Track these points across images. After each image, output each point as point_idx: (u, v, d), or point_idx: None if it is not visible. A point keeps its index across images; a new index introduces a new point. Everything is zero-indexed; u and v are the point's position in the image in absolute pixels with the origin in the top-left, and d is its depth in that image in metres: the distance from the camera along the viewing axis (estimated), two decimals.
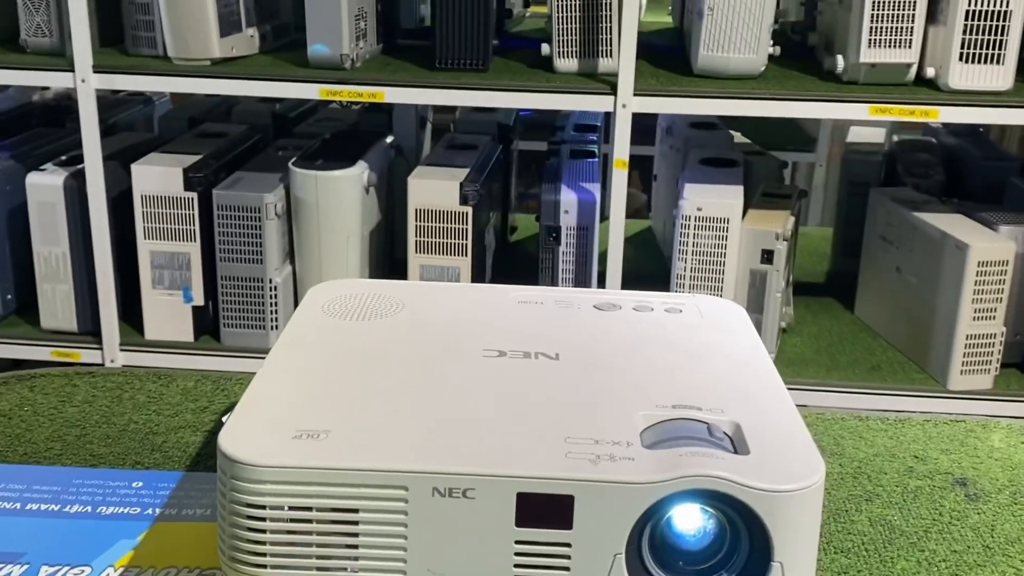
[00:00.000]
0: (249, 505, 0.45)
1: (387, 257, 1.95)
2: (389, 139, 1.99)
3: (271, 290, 1.76)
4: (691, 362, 0.56)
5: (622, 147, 1.55)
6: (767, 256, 1.66)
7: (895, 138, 2.37)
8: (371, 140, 1.91)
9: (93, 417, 0.72)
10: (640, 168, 2.61)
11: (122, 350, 1.79)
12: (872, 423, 0.75)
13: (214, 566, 0.55)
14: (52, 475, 0.64)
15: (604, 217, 1.73)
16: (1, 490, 0.62)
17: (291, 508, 0.45)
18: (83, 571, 0.54)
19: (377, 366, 0.54)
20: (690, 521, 0.47)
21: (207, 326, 1.81)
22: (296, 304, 1.83)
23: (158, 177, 1.69)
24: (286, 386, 0.52)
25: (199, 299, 1.77)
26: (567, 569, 0.45)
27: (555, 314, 0.62)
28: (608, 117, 2.55)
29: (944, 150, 2.25)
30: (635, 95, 1.54)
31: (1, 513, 0.59)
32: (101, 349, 1.79)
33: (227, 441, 0.46)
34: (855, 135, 2.40)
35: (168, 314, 1.78)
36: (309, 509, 0.45)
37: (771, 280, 1.67)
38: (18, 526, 0.59)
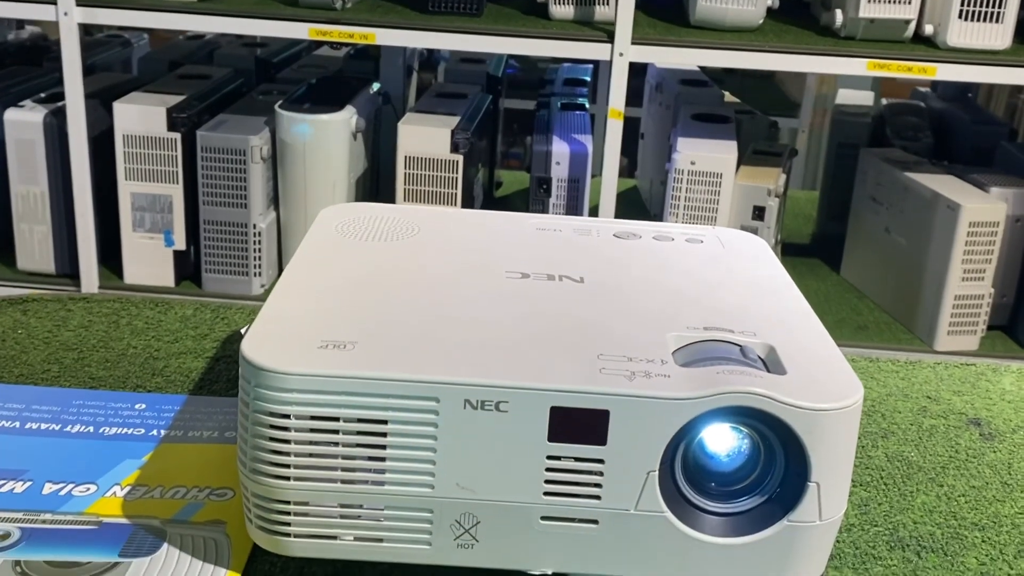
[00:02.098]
0: (273, 414, 0.43)
1: None
2: (376, 86, 1.96)
3: (255, 236, 1.73)
4: (717, 288, 0.55)
5: (618, 97, 1.53)
6: (758, 212, 1.65)
7: (884, 101, 2.36)
8: (358, 86, 1.88)
9: (90, 341, 0.70)
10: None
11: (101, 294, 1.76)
12: (883, 365, 0.74)
13: (224, 486, 0.53)
14: (51, 395, 0.62)
15: (594, 173, 1.72)
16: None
17: (317, 418, 0.43)
18: (88, 488, 0.53)
19: (399, 283, 0.52)
20: (723, 442, 0.46)
21: (188, 271, 1.79)
22: (280, 251, 1.81)
23: (140, 116, 1.66)
24: (307, 300, 0.50)
25: (181, 243, 1.74)
26: (599, 486, 0.44)
27: (575, 241, 0.60)
28: (597, 73, 2.53)
29: (933, 114, 2.24)
30: (632, 44, 1.52)
31: (0, 431, 0.57)
32: (79, 292, 1.76)
33: (250, 348, 0.44)
34: (844, 97, 2.39)
35: (148, 258, 1.75)
36: (336, 419, 0.43)
37: (762, 237, 1.67)
38: (18, 444, 0.57)
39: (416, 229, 0.60)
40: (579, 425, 0.43)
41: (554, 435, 0.43)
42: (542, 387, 0.43)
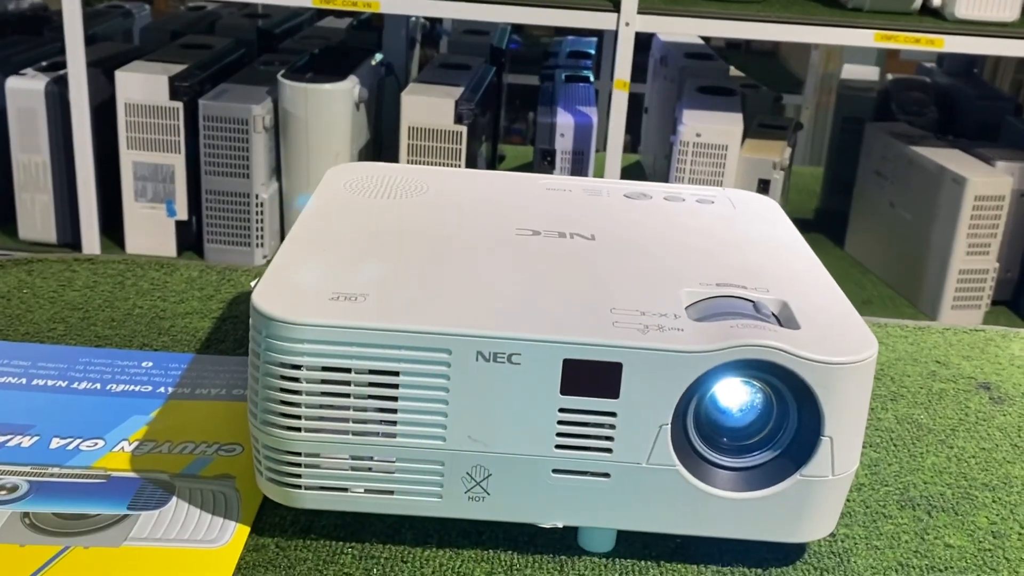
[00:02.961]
0: (284, 365, 0.43)
1: None
2: (379, 57, 1.95)
3: (257, 206, 1.73)
4: (730, 246, 0.54)
5: (624, 67, 1.52)
6: (763, 186, 1.64)
7: (889, 76, 2.35)
8: (361, 57, 1.87)
9: (95, 301, 0.70)
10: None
11: None
12: (892, 330, 0.74)
13: (233, 441, 0.53)
14: (58, 353, 0.62)
15: (598, 149, 1.71)
16: (4, 365, 0.59)
17: (328, 369, 0.43)
18: (96, 443, 0.53)
19: (410, 238, 0.52)
20: (735, 397, 0.46)
21: (190, 241, 1.78)
22: (282, 221, 1.80)
23: (143, 85, 1.65)
24: (317, 254, 0.49)
25: (183, 213, 1.74)
26: (611, 439, 0.44)
27: (585, 200, 0.60)
28: (601, 48, 2.51)
29: (938, 89, 2.24)
30: (639, 13, 1.51)
31: (6, 387, 0.57)
32: (84, 255, 1.75)
33: (261, 299, 0.44)
34: (849, 72, 2.38)
35: (150, 228, 1.74)
36: (348, 371, 0.43)
37: None
38: (25, 400, 0.56)
39: (424, 188, 0.59)
40: (592, 378, 0.43)
41: (566, 388, 0.43)
42: (555, 339, 0.43)
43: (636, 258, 0.51)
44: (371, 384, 0.43)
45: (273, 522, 0.48)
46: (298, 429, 0.44)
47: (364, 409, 0.44)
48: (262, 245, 1.75)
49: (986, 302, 1.67)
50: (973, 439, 0.59)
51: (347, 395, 0.43)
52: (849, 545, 0.49)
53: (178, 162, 1.69)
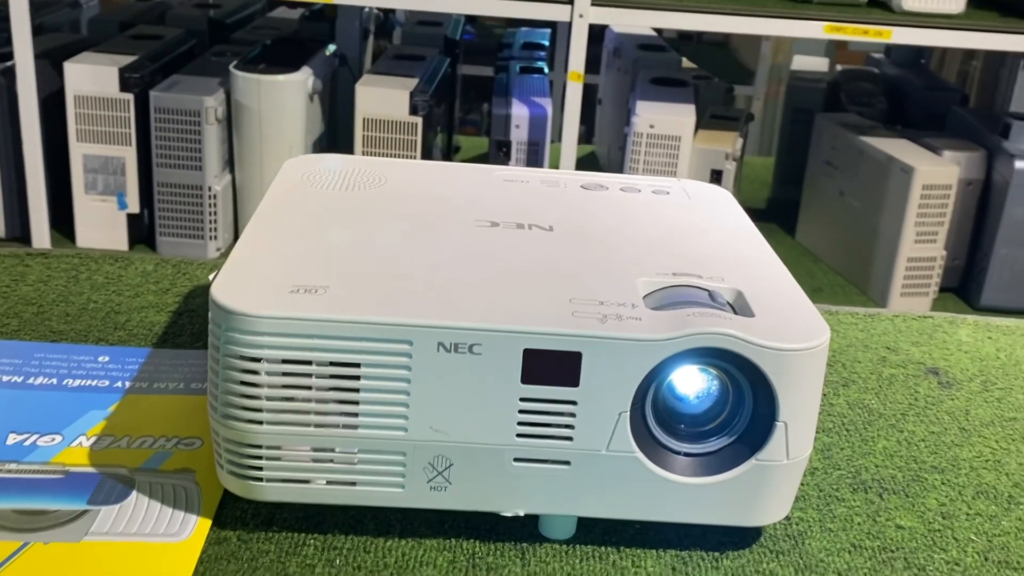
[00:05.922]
0: (245, 358, 0.43)
1: None
2: (332, 48, 1.94)
3: (210, 198, 1.71)
4: (685, 237, 0.55)
5: (577, 59, 1.53)
6: (716, 176, 1.66)
7: (838, 67, 2.38)
8: (314, 48, 1.86)
9: (49, 296, 0.69)
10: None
11: None
12: (843, 317, 0.75)
13: (192, 435, 0.53)
14: (11, 348, 0.61)
15: (552, 140, 1.71)
16: None
17: (289, 361, 0.43)
18: (54, 439, 0.52)
19: (368, 229, 0.52)
20: (692, 384, 0.46)
21: (142, 235, 1.76)
22: (236, 214, 1.79)
23: (92, 76, 1.62)
24: (276, 246, 0.49)
25: (134, 206, 1.72)
26: (571, 427, 0.44)
27: (542, 191, 0.60)
28: (555, 40, 2.52)
29: (886, 80, 2.27)
30: (593, 5, 1.51)
31: None
32: (36, 249, 1.73)
33: (221, 292, 0.44)
34: (799, 63, 2.41)
35: (101, 221, 1.72)
36: (308, 363, 0.43)
37: None
38: None
39: (383, 179, 0.60)
40: (552, 367, 0.44)
41: (527, 377, 0.44)
42: (515, 329, 0.43)
43: (593, 249, 0.52)
44: (332, 376, 0.44)
45: (235, 515, 0.48)
46: (259, 422, 0.44)
47: (325, 401, 0.44)
48: (215, 238, 1.74)
49: (934, 289, 1.71)
50: (923, 423, 0.61)
51: (308, 387, 0.44)
52: (803, 528, 0.50)
53: (129, 154, 1.67)
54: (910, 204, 1.62)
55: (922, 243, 1.66)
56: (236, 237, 1.79)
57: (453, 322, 0.43)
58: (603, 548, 0.47)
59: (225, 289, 0.44)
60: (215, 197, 1.71)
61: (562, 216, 0.56)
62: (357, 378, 0.43)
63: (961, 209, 1.71)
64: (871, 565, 0.48)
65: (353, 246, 0.50)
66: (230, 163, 1.75)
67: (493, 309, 0.44)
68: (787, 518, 0.50)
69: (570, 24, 1.53)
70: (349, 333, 0.43)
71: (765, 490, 0.46)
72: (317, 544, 0.46)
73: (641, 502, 0.46)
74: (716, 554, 0.48)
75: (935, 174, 1.62)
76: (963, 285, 1.79)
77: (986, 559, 0.49)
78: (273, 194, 0.56)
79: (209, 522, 0.47)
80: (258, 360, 0.43)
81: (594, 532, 0.48)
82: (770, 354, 0.44)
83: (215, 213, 1.72)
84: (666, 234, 0.55)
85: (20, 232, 1.75)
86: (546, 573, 0.46)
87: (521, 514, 0.46)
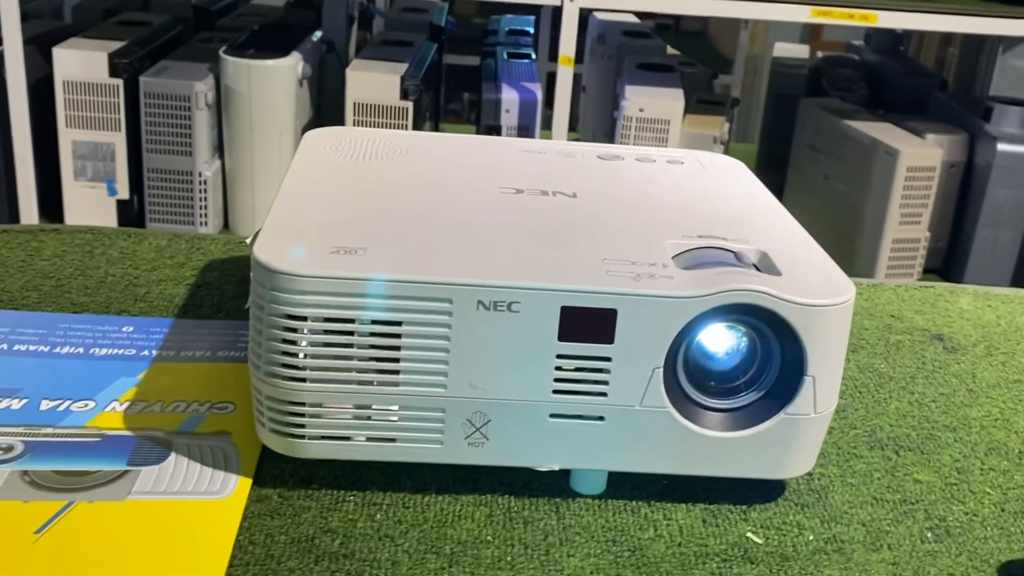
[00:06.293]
0: (289, 316, 0.44)
1: None
2: (318, 34, 1.94)
3: (200, 184, 1.71)
4: (705, 203, 0.56)
5: (568, 43, 1.54)
6: None
7: (819, 54, 2.41)
8: (301, 33, 1.86)
9: (66, 270, 0.70)
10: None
11: None
12: None
13: (225, 400, 0.54)
14: (36, 319, 0.62)
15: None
16: None
17: (332, 320, 0.44)
18: (87, 404, 0.53)
19: (399, 194, 0.53)
20: (721, 341, 0.48)
21: (132, 221, 1.76)
22: (225, 199, 1.79)
23: (81, 62, 1.62)
24: (310, 211, 0.50)
25: (124, 192, 1.71)
26: (606, 383, 0.46)
27: (561, 161, 0.61)
28: (538, 25, 2.53)
29: (867, 66, 2.30)
30: None
31: None
32: (49, 224, 1.72)
33: (264, 253, 0.45)
34: (780, 50, 2.43)
35: (91, 207, 1.71)
36: (351, 321, 0.44)
37: None
38: (8, 364, 0.56)
39: (404, 151, 0.61)
40: (588, 324, 0.45)
41: (564, 334, 0.45)
42: (553, 287, 0.44)
43: (618, 214, 0.53)
44: (374, 334, 0.44)
45: (273, 475, 0.49)
46: (302, 380, 0.45)
47: (367, 359, 0.45)
48: (206, 224, 1.74)
49: (918, 270, 1.73)
50: (932, 385, 0.63)
51: (350, 345, 0.45)
52: (826, 483, 0.52)
53: (119, 140, 1.66)
54: (895, 187, 1.65)
55: (906, 225, 1.69)
56: (226, 223, 1.79)
57: (493, 280, 0.44)
58: (634, 502, 0.49)
59: (268, 249, 0.45)
60: (205, 183, 1.71)
61: (584, 184, 0.57)
62: (398, 336, 0.44)
63: (944, 191, 1.74)
64: (893, 516, 0.49)
65: (385, 210, 0.51)
66: (219, 148, 1.75)
67: (530, 268, 0.45)
68: (809, 474, 0.52)
69: (560, 8, 1.54)
70: (391, 292, 0.44)
71: (793, 443, 0.47)
72: (356, 500, 0.47)
73: (672, 456, 0.47)
74: (744, 507, 0.49)
75: (919, 156, 1.65)
76: (946, 266, 1.82)
77: (1002, 510, 0.51)
78: (299, 164, 0.57)
79: (250, 480, 0.48)
80: (302, 319, 0.44)
81: (624, 487, 0.49)
82: (801, 310, 0.45)
83: (205, 198, 1.72)
84: (688, 199, 0.56)
85: (8, 219, 1.74)
86: (581, 526, 0.47)
87: (556, 469, 0.47)
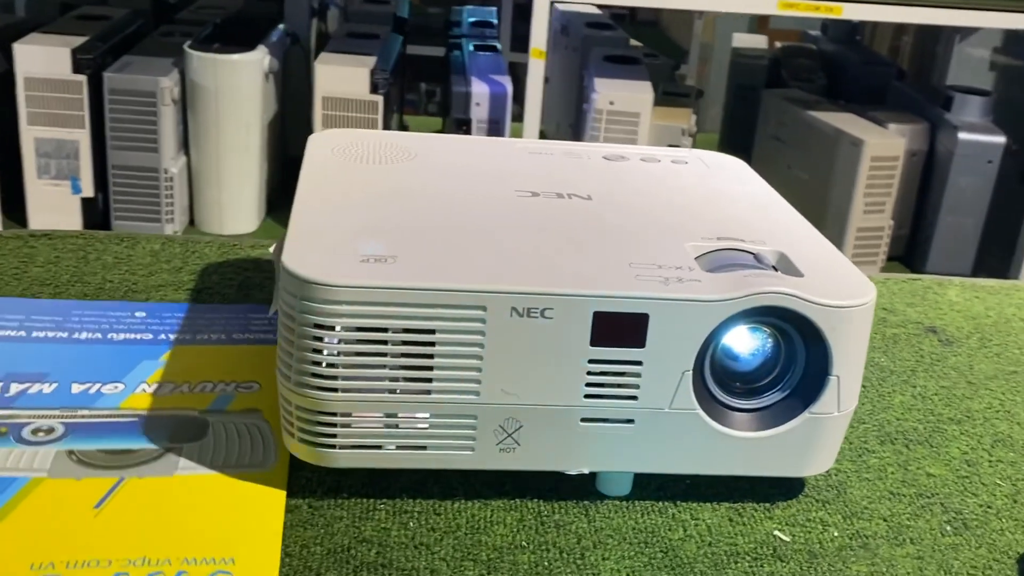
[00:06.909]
0: (320, 327, 0.44)
1: (279, 155, 1.89)
2: (282, 27, 1.92)
3: (166, 180, 1.69)
4: (716, 203, 0.57)
5: (539, 36, 1.54)
6: None
7: (778, 44, 2.43)
8: (266, 27, 1.84)
9: (63, 276, 0.68)
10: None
11: None
12: None
13: (249, 379, 0.54)
14: (49, 307, 0.61)
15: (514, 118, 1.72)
16: None
17: (364, 329, 0.44)
18: (117, 387, 0.52)
19: (417, 200, 0.53)
20: (746, 343, 0.48)
21: (97, 218, 1.73)
22: (191, 196, 1.77)
23: (43, 58, 1.58)
24: (333, 218, 0.50)
25: (88, 190, 1.68)
26: (637, 387, 0.46)
27: (568, 163, 0.62)
28: (500, 16, 2.52)
29: (824, 56, 2.32)
30: None
31: (7, 340, 0.56)
32: (40, 229, 1.68)
33: (293, 262, 0.44)
34: (740, 41, 2.45)
35: (55, 205, 1.68)
36: (384, 330, 0.44)
37: None
38: (30, 350, 0.55)
39: (412, 153, 0.60)
40: (620, 329, 0.45)
41: (596, 339, 0.45)
42: (586, 293, 0.45)
43: (636, 216, 0.54)
44: (407, 343, 0.44)
45: (300, 484, 0.48)
46: (334, 389, 0.45)
47: (400, 367, 0.45)
48: (172, 220, 1.71)
49: (882, 258, 1.76)
50: (932, 378, 0.64)
51: (383, 354, 0.44)
52: (843, 479, 0.53)
53: (83, 137, 1.64)
54: (859, 176, 1.68)
55: (871, 213, 1.72)
56: (192, 220, 1.77)
57: (526, 287, 0.44)
58: (660, 503, 0.49)
59: (297, 259, 0.45)
60: (171, 179, 1.69)
61: (596, 186, 0.57)
62: (432, 344, 0.44)
63: (906, 180, 1.77)
64: (912, 510, 0.50)
65: (407, 216, 0.51)
66: (185, 144, 1.72)
67: (562, 274, 0.46)
68: (826, 471, 0.53)
69: (531, 2, 1.54)
70: (424, 300, 0.44)
71: (816, 442, 0.48)
72: (388, 508, 0.47)
73: (700, 457, 0.48)
74: (767, 505, 0.50)
75: (883, 146, 1.68)
76: (909, 253, 1.85)
77: (1015, 502, 0.52)
78: (310, 168, 0.57)
79: (288, 453, 0.48)
80: (334, 328, 0.44)
81: (649, 488, 0.50)
82: (827, 311, 0.46)
83: (171, 195, 1.70)
84: (699, 200, 0.57)
85: None
86: (611, 528, 0.47)
87: (585, 472, 0.48)
